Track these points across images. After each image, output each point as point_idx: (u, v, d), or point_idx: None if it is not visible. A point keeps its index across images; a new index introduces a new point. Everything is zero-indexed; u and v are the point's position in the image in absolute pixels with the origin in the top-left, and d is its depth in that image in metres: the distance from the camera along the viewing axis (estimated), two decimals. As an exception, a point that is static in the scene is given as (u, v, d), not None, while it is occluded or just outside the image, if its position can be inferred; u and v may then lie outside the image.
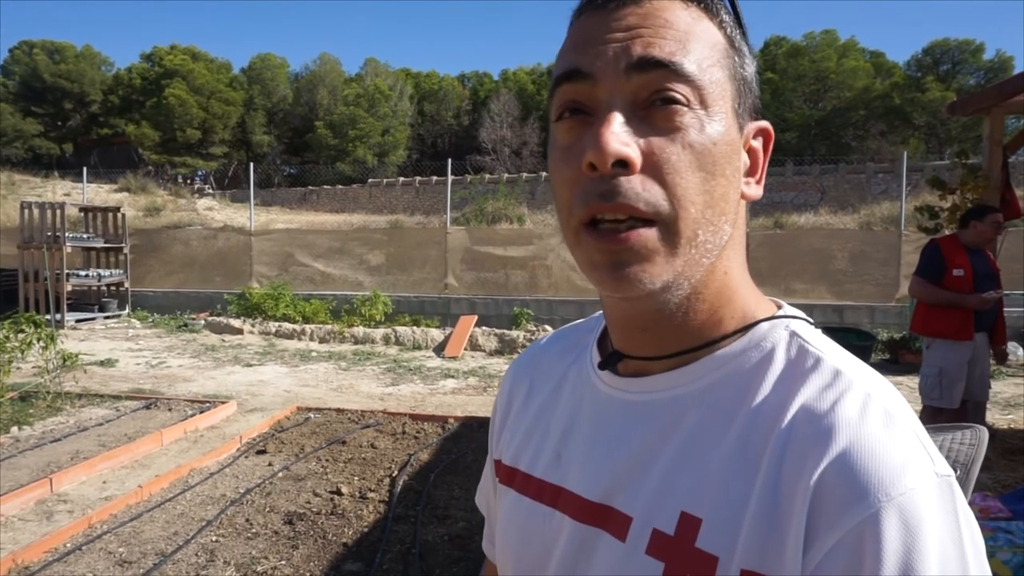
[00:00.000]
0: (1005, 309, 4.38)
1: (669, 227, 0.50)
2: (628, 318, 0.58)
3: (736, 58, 0.54)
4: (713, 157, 0.50)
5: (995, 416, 5.70)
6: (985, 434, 1.28)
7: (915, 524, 0.44)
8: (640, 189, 0.49)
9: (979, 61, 25.69)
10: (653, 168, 0.49)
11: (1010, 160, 5.18)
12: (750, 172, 0.57)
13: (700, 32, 0.52)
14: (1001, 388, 6.67)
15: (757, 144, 0.57)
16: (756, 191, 0.57)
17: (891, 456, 0.46)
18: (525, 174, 21.31)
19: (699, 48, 0.51)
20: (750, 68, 0.56)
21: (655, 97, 0.50)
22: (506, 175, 21.17)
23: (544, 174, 20.71)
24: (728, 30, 0.54)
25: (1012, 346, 7.76)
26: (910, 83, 25.23)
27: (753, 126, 0.56)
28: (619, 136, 0.48)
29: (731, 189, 0.53)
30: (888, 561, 0.43)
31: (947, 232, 5.06)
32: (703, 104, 0.50)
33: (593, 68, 0.51)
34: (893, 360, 8.33)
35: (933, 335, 4.12)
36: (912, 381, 6.26)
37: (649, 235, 0.50)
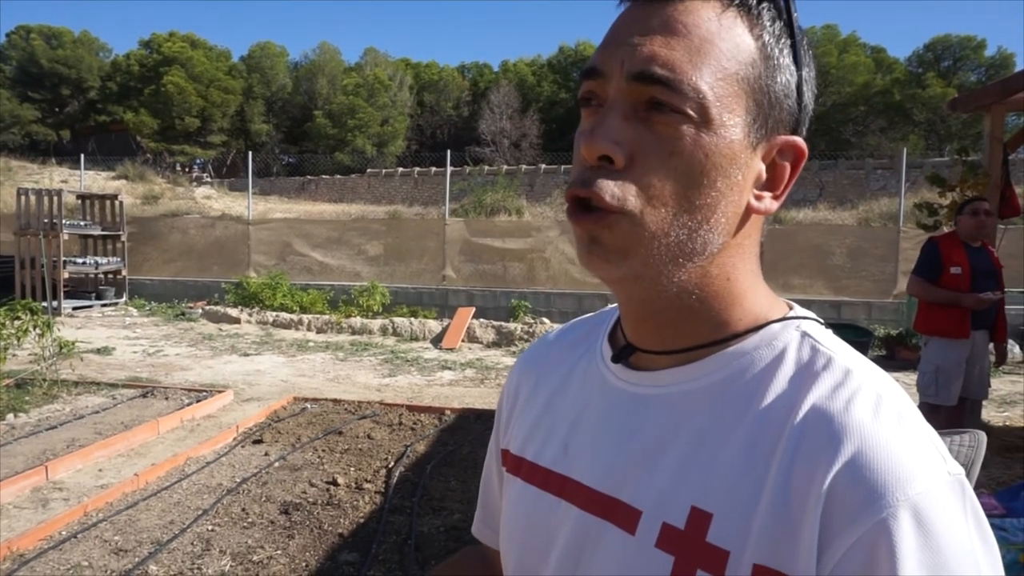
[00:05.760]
0: (1005, 307, 4.37)
1: (634, 221, 0.52)
2: (629, 306, 0.60)
3: (765, 70, 0.52)
4: (702, 167, 0.51)
5: (991, 413, 5.72)
6: (984, 438, 1.29)
7: (930, 524, 0.45)
8: (614, 183, 0.51)
9: (981, 58, 25.65)
10: (634, 166, 0.51)
11: (1010, 157, 5.18)
12: (769, 187, 0.56)
13: (722, 41, 0.51)
14: (997, 385, 6.68)
15: (784, 161, 0.55)
16: (769, 205, 0.55)
17: (905, 457, 0.46)
18: (524, 166, 21.24)
19: (713, 60, 0.50)
20: (785, 80, 0.54)
21: (653, 102, 0.51)
22: (505, 167, 21.09)
23: (543, 166, 20.66)
24: (766, 38, 0.53)
25: (1009, 344, 7.76)
26: (911, 79, 25.18)
27: (781, 140, 0.55)
28: (609, 134, 0.51)
29: (724, 201, 0.53)
30: (904, 562, 0.44)
31: (946, 229, 5.05)
32: (703, 117, 0.50)
33: (605, 68, 0.53)
34: (889, 356, 8.35)
35: (930, 333, 4.12)
36: (908, 378, 6.28)
37: (616, 221, 0.52)
